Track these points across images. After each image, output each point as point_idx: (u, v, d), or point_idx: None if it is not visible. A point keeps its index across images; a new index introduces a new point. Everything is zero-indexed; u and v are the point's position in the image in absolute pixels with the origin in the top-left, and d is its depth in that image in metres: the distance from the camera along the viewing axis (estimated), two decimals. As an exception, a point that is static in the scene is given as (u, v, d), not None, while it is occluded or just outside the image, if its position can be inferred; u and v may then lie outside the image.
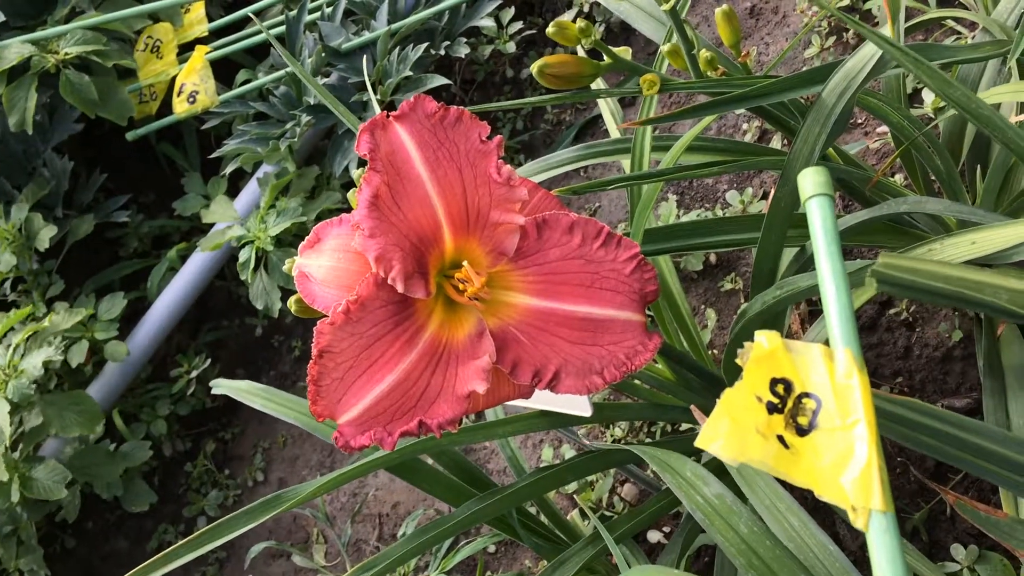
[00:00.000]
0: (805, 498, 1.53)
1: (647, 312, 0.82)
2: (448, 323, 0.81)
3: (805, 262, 1.20)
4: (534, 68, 0.86)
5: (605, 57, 0.93)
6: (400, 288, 0.75)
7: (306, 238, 0.78)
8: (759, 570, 0.93)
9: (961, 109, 0.70)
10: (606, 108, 1.58)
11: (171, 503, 2.30)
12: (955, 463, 0.61)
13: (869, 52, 0.88)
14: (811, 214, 0.54)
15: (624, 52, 0.93)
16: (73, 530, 2.33)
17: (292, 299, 0.81)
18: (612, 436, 1.75)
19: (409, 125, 0.76)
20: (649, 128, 1.27)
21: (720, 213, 1.85)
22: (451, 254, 0.80)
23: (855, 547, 1.39)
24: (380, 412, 0.76)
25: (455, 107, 0.76)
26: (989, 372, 1.24)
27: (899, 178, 1.62)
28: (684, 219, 1.88)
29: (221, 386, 1.32)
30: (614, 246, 0.80)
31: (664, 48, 1.03)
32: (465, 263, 0.76)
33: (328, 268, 0.77)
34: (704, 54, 0.99)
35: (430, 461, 1.36)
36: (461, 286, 0.77)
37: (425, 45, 1.97)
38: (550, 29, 0.88)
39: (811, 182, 0.55)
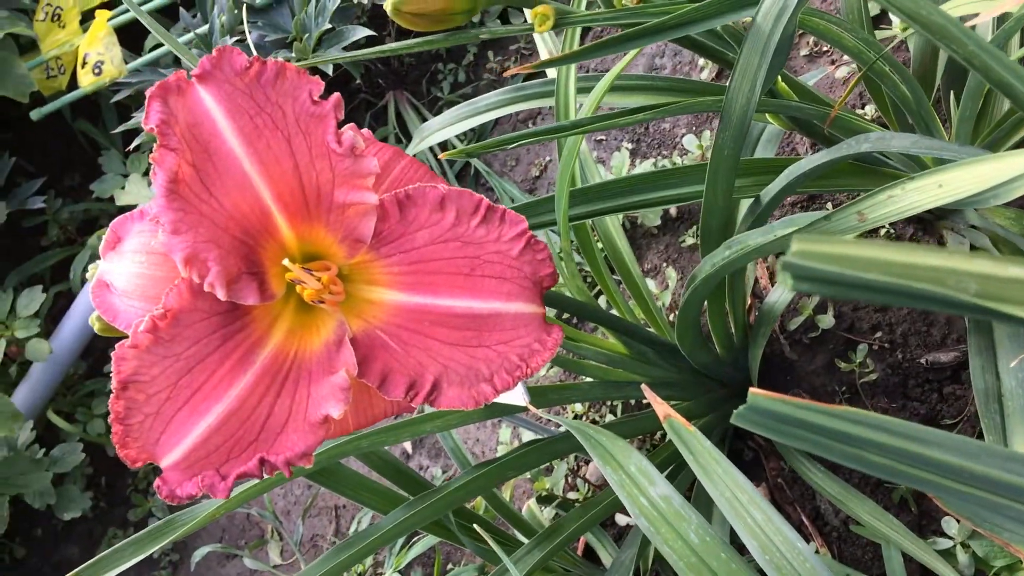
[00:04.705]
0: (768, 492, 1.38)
1: (546, 303, 0.67)
2: (299, 330, 0.65)
3: (761, 213, 1.04)
4: (388, 5, 0.69)
5: (487, -12, 0.76)
6: (222, 295, 0.59)
7: (104, 236, 0.62)
8: (713, 587, 0.78)
9: (905, 16, 0.54)
10: (543, 48, 1.40)
11: (120, 505, 2.17)
12: (916, 485, 0.46)
13: (804, -41, 0.71)
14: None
15: (513, -20, 0.76)
16: (22, 539, 2.21)
17: (92, 316, 0.65)
18: (573, 413, 1.61)
19: (215, 87, 0.59)
20: (574, 70, 1.10)
21: (678, 160, 1.69)
22: (296, 246, 0.64)
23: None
24: (212, 450, 0.61)
25: (273, 60, 0.60)
26: (976, 327, 1.09)
27: (870, 110, 1.46)
28: (636, 172, 1.72)
29: None
30: (497, 222, 0.64)
31: (570, -26, 0.86)
32: (286, 260, 0.60)
33: (130, 275, 0.61)
34: (615, -22, 0.82)
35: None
36: (298, 288, 0.61)
37: (345, -7, 1.78)
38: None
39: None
